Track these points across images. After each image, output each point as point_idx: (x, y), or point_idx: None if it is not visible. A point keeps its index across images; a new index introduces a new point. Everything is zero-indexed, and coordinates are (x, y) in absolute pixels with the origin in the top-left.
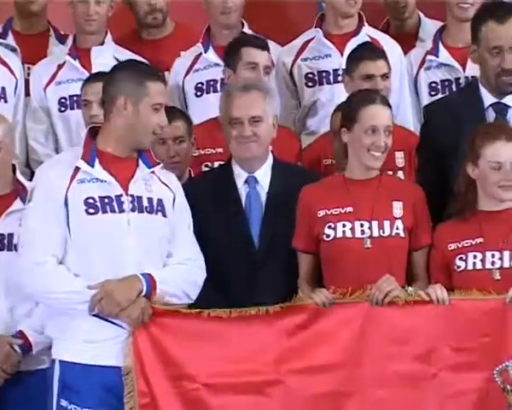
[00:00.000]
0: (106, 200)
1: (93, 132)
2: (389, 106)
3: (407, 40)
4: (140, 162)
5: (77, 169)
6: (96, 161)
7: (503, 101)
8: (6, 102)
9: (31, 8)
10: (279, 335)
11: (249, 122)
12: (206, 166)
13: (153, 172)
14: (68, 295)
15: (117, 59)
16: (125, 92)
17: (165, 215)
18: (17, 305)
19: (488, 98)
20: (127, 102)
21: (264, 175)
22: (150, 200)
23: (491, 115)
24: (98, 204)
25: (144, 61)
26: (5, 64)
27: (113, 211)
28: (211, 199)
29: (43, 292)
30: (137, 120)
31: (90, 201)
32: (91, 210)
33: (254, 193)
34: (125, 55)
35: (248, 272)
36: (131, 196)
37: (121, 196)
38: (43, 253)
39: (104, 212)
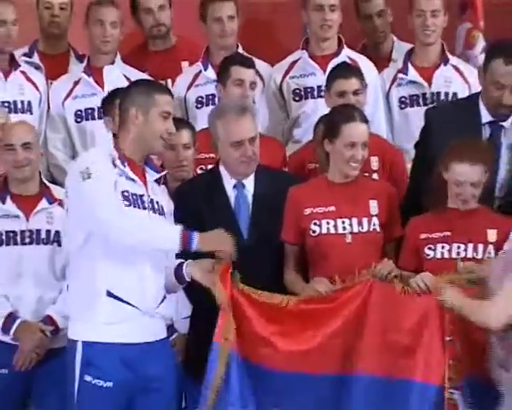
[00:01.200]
0: (134, 196)
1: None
2: (366, 121)
3: (381, 60)
4: (148, 168)
5: (113, 165)
6: (125, 161)
7: (498, 121)
8: (32, 113)
9: (53, 31)
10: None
11: (249, 143)
12: (201, 168)
13: (155, 180)
14: (159, 231)
15: (125, 76)
16: (136, 104)
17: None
18: (44, 294)
19: (486, 116)
20: (138, 113)
21: (249, 180)
22: (158, 203)
23: (487, 131)
24: (131, 198)
25: (151, 78)
26: (31, 81)
27: (139, 207)
28: (203, 200)
29: (135, 232)
30: (147, 127)
31: (126, 194)
32: (126, 202)
33: (242, 196)
34: (133, 72)
35: (239, 267)
36: (149, 196)
37: (143, 195)
38: (117, 204)
39: (135, 206)
